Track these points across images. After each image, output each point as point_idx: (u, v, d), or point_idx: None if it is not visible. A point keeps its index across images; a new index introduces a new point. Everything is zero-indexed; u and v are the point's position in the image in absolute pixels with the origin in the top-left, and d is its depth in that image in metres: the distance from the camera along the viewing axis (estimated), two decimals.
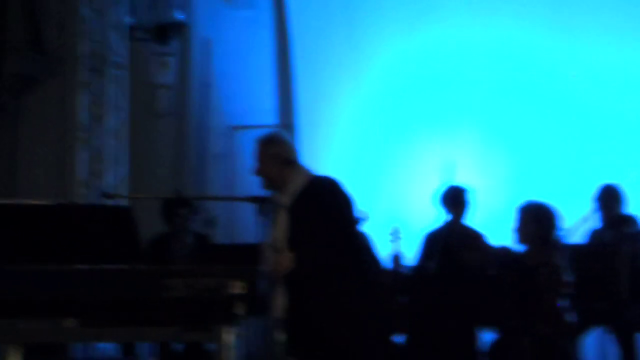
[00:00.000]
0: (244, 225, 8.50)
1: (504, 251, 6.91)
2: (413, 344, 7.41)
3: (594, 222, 7.56)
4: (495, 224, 7.43)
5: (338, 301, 4.85)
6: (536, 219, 6.33)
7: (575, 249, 7.09)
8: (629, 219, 7.50)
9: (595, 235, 7.58)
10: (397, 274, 7.34)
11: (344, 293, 4.86)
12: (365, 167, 8.77)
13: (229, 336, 4.78)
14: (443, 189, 7.41)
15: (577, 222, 7.15)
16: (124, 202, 8.01)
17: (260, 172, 5.05)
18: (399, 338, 7.44)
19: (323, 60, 8.99)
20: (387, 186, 8.56)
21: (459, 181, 7.50)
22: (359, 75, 8.97)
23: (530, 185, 8.20)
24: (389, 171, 8.72)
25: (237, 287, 4.82)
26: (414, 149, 8.71)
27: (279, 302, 4.94)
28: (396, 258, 7.34)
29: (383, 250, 7.27)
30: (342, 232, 4.94)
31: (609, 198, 7.55)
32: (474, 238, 7.35)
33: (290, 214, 4.93)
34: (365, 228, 7.19)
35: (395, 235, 7.34)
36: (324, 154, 8.88)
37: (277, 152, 5.01)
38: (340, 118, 8.98)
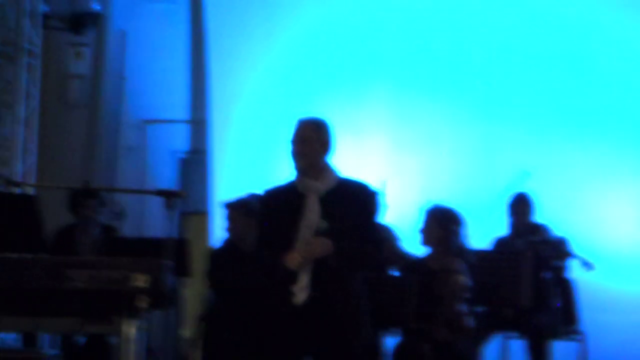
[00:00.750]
0: (153, 219, 8.45)
1: (408, 254, 6.98)
2: None
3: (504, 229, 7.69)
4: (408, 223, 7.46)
5: (361, 295, 4.96)
6: (440, 223, 6.40)
7: (482, 255, 7.21)
8: (538, 227, 7.61)
9: (503, 242, 7.67)
10: None
11: (365, 288, 5.01)
12: (277, 165, 8.78)
13: (130, 329, 4.75)
14: None
15: None
16: (30, 191, 7.88)
17: (305, 154, 4.97)
18: None
19: (238, 56, 8.96)
20: None
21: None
22: (274, 74, 8.98)
23: (442, 183, 8.28)
24: None
25: (141, 281, 4.79)
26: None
27: (304, 286, 4.85)
28: None
29: None
30: (374, 230, 5.04)
31: (520, 206, 7.65)
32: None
33: (324, 203, 4.90)
34: None
35: None
36: (236, 151, 8.87)
37: (328, 140, 5.00)
38: (254, 115, 8.97)
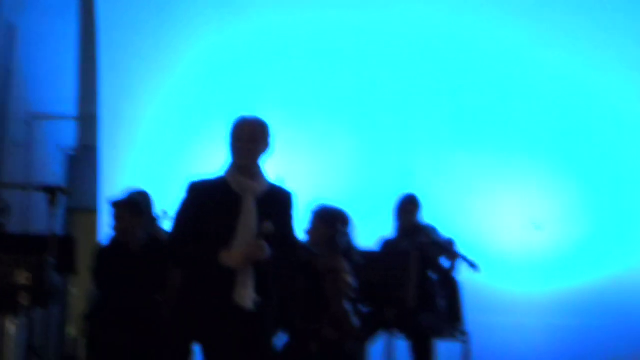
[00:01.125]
0: (40, 216, 8.31)
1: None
2: None
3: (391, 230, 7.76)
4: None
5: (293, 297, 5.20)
6: (326, 223, 6.42)
7: (368, 255, 7.25)
8: (425, 228, 7.69)
9: (390, 243, 7.72)
10: None
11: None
12: (166, 162, 8.72)
13: (11, 326, 4.68)
14: None
15: None
16: None
17: (252, 153, 4.93)
18: None
19: (129, 51, 8.88)
20: None
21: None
22: (165, 70, 8.91)
23: (331, 184, 8.31)
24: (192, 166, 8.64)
25: (22, 278, 4.73)
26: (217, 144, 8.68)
27: (249, 290, 4.80)
28: None
29: None
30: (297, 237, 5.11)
31: (408, 207, 7.70)
32: None
33: (259, 205, 4.88)
34: None
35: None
36: (126, 148, 8.78)
37: (269, 143, 4.98)
38: (144, 112, 8.89)
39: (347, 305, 6.57)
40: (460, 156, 8.59)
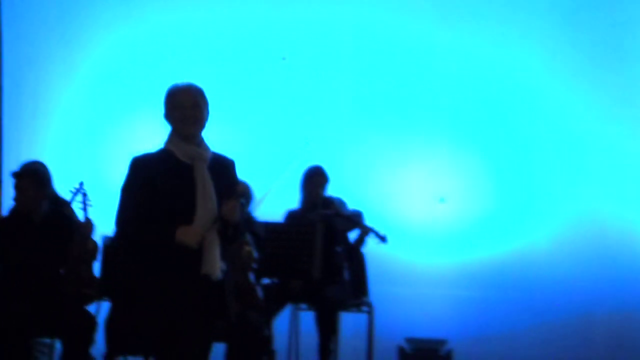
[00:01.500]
0: None
1: None
2: None
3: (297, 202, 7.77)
4: None
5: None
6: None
7: (273, 227, 7.26)
8: (332, 201, 7.70)
9: (295, 215, 7.73)
10: None
11: None
12: (78, 159, 8.63)
13: None
14: None
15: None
16: None
17: (198, 120, 4.78)
18: None
19: (34, 52, 8.78)
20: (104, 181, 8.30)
21: None
22: (71, 69, 8.82)
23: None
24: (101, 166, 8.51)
25: None
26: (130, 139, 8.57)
27: (217, 259, 4.69)
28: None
29: None
30: None
31: (313, 179, 7.70)
32: None
33: (210, 172, 4.76)
34: None
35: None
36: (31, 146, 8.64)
37: (208, 110, 4.85)
38: (51, 110, 8.79)
39: (251, 277, 6.57)
40: (367, 129, 8.63)
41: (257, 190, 7.22)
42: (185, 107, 4.75)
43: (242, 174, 5.01)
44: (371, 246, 7.67)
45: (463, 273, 8.39)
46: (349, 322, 7.76)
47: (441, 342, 7.84)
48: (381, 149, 8.59)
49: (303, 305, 7.55)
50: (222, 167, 4.83)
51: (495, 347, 8.18)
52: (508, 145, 8.56)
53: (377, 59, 8.72)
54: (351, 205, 7.78)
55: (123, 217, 4.72)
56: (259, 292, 6.64)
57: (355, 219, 7.64)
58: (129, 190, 4.73)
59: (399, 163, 8.57)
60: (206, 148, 4.80)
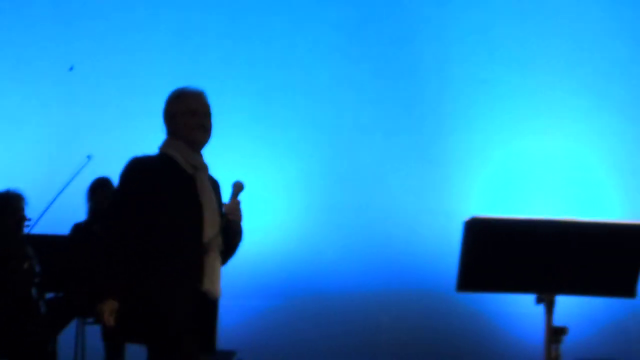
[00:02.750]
0: None
1: None
2: None
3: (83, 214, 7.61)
4: None
5: None
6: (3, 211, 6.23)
7: (57, 240, 7.08)
8: None
9: (81, 227, 7.57)
10: None
11: None
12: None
13: None
14: None
15: None
16: None
17: (208, 130, 4.47)
18: None
19: None
20: None
21: None
22: None
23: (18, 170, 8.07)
24: None
25: None
26: None
27: (218, 278, 4.36)
28: None
29: None
30: None
31: (99, 190, 7.57)
32: None
33: (210, 181, 4.47)
34: None
35: None
36: None
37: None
38: None
39: (33, 292, 6.41)
40: (155, 139, 8.52)
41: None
42: (200, 114, 4.46)
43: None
44: None
45: (251, 283, 8.40)
46: None
47: (230, 354, 7.84)
48: None
49: (89, 319, 7.41)
50: (214, 184, 4.54)
51: (284, 356, 8.24)
52: (298, 153, 8.63)
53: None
54: None
55: (118, 222, 4.30)
56: (42, 307, 6.48)
57: None
58: (128, 194, 4.34)
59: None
60: (202, 158, 4.52)
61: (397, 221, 8.44)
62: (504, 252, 3.29)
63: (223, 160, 8.22)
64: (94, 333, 7.38)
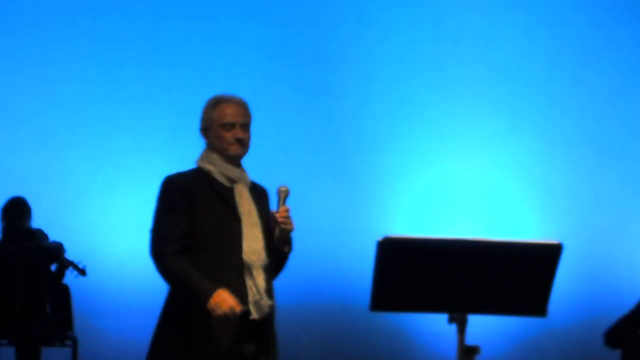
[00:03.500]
0: None
1: None
2: None
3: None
4: None
5: None
6: None
7: None
8: (33, 232, 7.49)
9: None
10: None
11: None
12: None
13: None
14: None
15: None
16: None
17: (247, 142, 4.24)
18: None
19: None
20: None
21: None
22: None
23: None
24: None
25: None
26: None
27: (262, 294, 4.08)
28: None
29: None
30: None
31: (13, 210, 7.49)
32: None
33: (251, 194, 4.21)
34: None
35: None
36: None
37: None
38: None
39: None
40: (72, 160, 8.45)
41: None
42: (237, 126, 4.22)
43: None
44: (75, 279, 7.52)
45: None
46: (54, 357, 7.56)
47: None
48: (86, 179, 8.43)
49: (3, 341, 7.32)
50: (259, 194, 4.30)
51: None
52: None
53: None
54: (54, 237, 7.59)
55: (162, 248, 4.06)
56: None
57: (55, 252, 7.47)
58: (166, 215, 4.10)
59: (104, 193, 8.43)
60: (245, 171, 4.30)
61: (316, 240, 8.43)
62: (416, 272, 3.29)
63: (142, 182, 8.28)
64: (8, 355, 7.30)
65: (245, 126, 4.25)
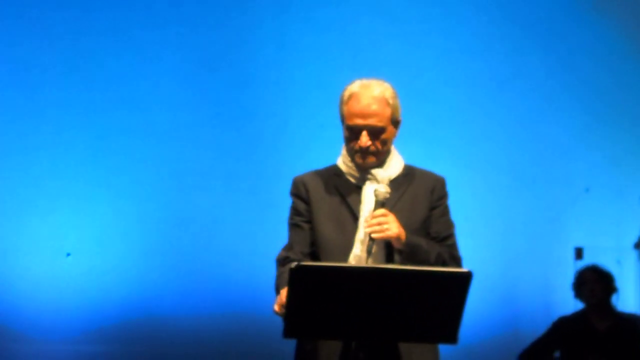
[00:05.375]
0: None
1: None
2: None
3: None
4: None
5: None
6: None
7: None
8: None
9: None
10: None
11: None
12: None
13: None
14: None
15: None
16: None
17: (385, 145, 3.75)
18: None
19: None
20: None
21: None
22: None
23: None
24: None
25: None
26: None
27: None
28: None
29: None
30: None
31: None
32: None
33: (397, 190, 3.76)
34: None
35: None
36: None
37: (399, 111, 3.74)
38: None
39: None
40: None
41: None
42: (362, 131, 3.73)
43: None
44: None
45: (87, 328, 8.26)
46: None
47: None
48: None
49: None
50: (416, 188, 3.82)
51: None
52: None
53: None
54: None
55: (280, 253, 3.93)
56: None
57: None
58: (289, 220, 3.92)
59: (19, 216, 8.32)
60: (392, 165, 3.82)
61: (236, 266, 8.43)
62: (329, 299, 3.32)
63: (57, 199, 8.19)
64: None
65: (376, 132, 3.71)
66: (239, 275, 8.39)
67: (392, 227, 3.59)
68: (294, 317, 3.36)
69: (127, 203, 8.51)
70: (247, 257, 8.40)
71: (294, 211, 3.90)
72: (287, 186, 8.41)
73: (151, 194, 8.54)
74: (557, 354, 7.46)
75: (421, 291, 3.29)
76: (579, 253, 8.51)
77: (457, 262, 3.81)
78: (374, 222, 3.59)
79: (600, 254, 8.18)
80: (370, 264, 3.57)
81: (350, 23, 8.80)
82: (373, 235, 3.58)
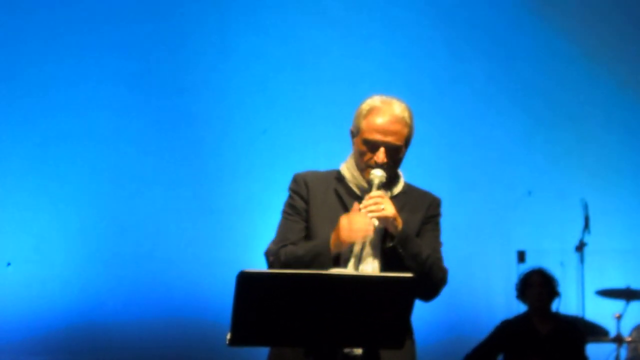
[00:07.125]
0: None
1: None
2: None
3: None
4: None
5: None
6: None
7: None
8: None
9: None
10: None
11: None
12: None
13: None
14: None
15: None
16: None
17: (397, 161, 3.80)
18: None
19: None
20: None
21: None
22: None
23: None
24: None
25: None
26: None
27: None
28: None
29: None
30: None
31: None
32: None
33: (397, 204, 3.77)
34: None
35: None
36: None
37: (413, 132, 3.81)
38: None
39: None
40: None
41: None
42: (379, 147, 3.76)
43: None
44: None
45: (29, 338, 8.17)
46: None
47: None
48: None
49: None
50: (414, 203, 3.88)
51: None
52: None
53: None
54: None
55: (270, 247, 3.85)
56: None
57: None
58: (282, 214, 3.88)
59: None
60: (396, 182, 3.88)
61: (178, 273, 8.39)
62: (273, 306, 3.29)
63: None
64: None
65: (392, 150, 3.78)
66: (180, 281, 8.35)
67: (387, 207, 3.67)
68: (240, 325, 3.32)
69: (67, 210, 8.42)
70: (189, 263, 8.36)
71: (292, 208, 3.89)
72: (227, 191, 8.43)
73: (91, 201, 8.47)
74: (500, 357, 7.49)
75: (367, 297, 3.29)
76: (521, 256, 8.55)
77: (443, 271, 3.98)
78: (371, 202, 3.66)
79: (543, 256, 8.23)
80: (362, 263, 3.71)
81: (291, 28, 8.79)
82: (370, 215, 3.64)
